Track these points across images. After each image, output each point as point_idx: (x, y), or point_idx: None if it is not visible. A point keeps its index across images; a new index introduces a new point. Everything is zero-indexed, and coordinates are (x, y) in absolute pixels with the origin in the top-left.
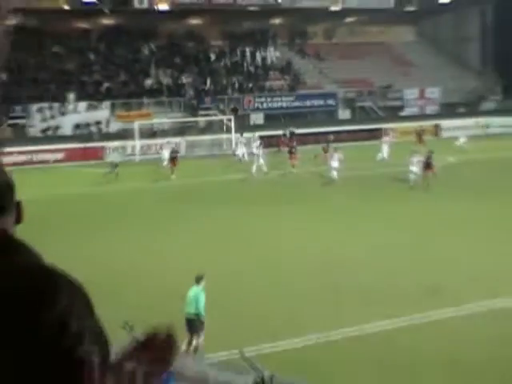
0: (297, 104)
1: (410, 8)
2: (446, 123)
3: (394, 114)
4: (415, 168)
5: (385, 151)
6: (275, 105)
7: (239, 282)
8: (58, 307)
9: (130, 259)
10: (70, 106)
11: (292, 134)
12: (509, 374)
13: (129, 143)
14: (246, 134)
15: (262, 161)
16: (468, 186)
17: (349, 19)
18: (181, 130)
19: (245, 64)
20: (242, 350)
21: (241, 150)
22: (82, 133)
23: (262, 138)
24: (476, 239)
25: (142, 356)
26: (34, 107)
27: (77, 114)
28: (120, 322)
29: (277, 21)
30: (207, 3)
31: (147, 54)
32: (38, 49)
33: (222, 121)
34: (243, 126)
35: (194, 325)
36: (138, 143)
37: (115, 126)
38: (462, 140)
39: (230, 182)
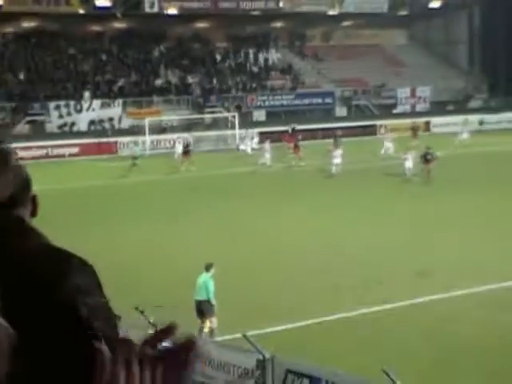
0: (296, 102)
1: (403, 12)
2: (437, 120)
3: (387, 111)
4: (409, 163)
5: (389, 147)
6: (276, 103)
7: (244, 271)
8: (69, 283)
9: (141, 249)
10: (85, 104)
11: (293, 129)
12: (493, 355)
13: (140, 138)
14: (250, 130)
15: (268, 155)
16: (459, 179)
17: (345, 23)
18: (188, 126)
19: (248, 65)
20: (244, 332)
21: (245, 145)
22: (96, 129)
23: (267, 133)
24: (469, 230)
25: (157, 342)
26: (52, 105)
27: (91, 111)
28: (132, 304)
29: (278, 24)
30: (213, 8)
31: (157, 56)
32: (55, 50)
33: (226, 118)
34: (246, 122)
35: (204, 310)
36: (148, 138)
37: (127, 123)
38: (464, 136)
39: (237, 175)
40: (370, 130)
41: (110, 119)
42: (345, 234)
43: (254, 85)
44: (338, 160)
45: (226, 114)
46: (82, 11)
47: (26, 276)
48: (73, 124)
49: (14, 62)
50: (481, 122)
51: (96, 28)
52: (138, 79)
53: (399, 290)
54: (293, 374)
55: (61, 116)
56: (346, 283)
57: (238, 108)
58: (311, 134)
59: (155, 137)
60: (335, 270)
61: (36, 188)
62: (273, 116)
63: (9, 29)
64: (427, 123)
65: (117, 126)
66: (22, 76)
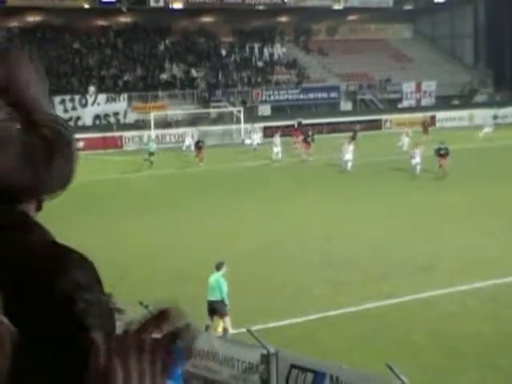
0: (302, 97)
1: (408, 7)
2: (442, 114)
3: (392, 105)
4: (416, 160)
5: (405, 141)
6: (281, 97)
7: (248, 265)
8: (67, 278)
9: (147, 243)
10: (90, 98)
11: (299, 124)
12: (496, 350)
13: (145, 133)
14: (256, 125)
15: (277, 149)
16: (475, 173)
17: (350, 17)
18: (193, 121)
19: (253, 59)
20: (249, 327)
21: (251, 139)
22: (102, 123)
23: (275, 127)
24: (476, 225)
25: (152, 328)
26: (57, 99)
27: (96, 105)
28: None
29: (283, 19)
30: (218, 2)
31: (162, 50)
32: (60, 45)
33: (231, 112)
34: (252, 117)
35: (217, 310)
36: (153, 133)
37: (132, 117)
38: (487, 129)
39: (248, 169)
40: (376, 125)
41: (116, 114)
42: (349, 229)
43: (259, 79)
44: (349, 156)
45: (231, 109)
46: (87, 6)
47: (25, 272)
48: (78, 118)
49: None
50: (495, 117)
51: (101, 22)
52: (144, 73)
53: (404, 284)
54: (297, 369)
55: (66, 110)
56: (350, 278)
57: (244, 103)
58: (317, 129)
59: (160, 131)
60: (339, 264)
61: None
62: (278, 110)
63: (14, 23)
64: (432, 118)
65: (122, 120)
66: None
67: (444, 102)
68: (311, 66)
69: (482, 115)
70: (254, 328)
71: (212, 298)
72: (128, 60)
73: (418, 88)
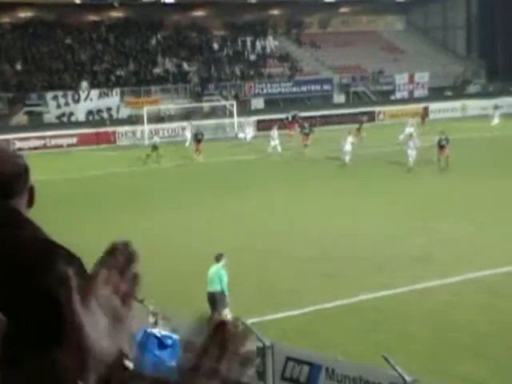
0: (294, 89)
1: None
2: (435, 106)
3: (385, 97)
4: (411, 151)
5: (410, 133)
6: (274, 90)
7: (244, 258)
8: (55, 272)
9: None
10: (83, 94)
11: (294, 117)
12: (490, 340)
13: (138, 128)
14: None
15: (274, 142)
16: (477, 163)
17: (343, 9)
18: (186, 115)
19: (246, 53)
20: (244, 319)
21: (244, 133)
22: (95, 119)
23: (272, 120)
24: (471, 216)
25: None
26: (49, 95)
27: (89, 101)
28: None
29: (275, 12)
30: None
31: (154, 45)
32: (52, 40)
33: (224, 106)
34: (245, 110)
35: (217, 301)
36: (146, 128)
37: (125, 112)
38: (495, 120)
39: (246, 162)
40: (369, 117)
41: (108, 109)
42: (346, 221)
43: (251, 73)
44: (348, 148)
45: (224, 103)
46: (78, 1)
47: (15, 267)
48: (71, 114)
49: (10, 53)
50: (496, 106)
51: (93, 17)
52: (136, 68)
53: (399, 275)
54: (293, 361)
55: (59, 106)
56: (346, 269)
57: (236, 97)
58: (310, 121)
59: (153, 126)
60: (335, 256)
61: (34, 178)
62: (271, 104)
63: (5, 19)
64: (425, 109)
65: (115, 115)
66: (19, 66)
67: (437, 94)
68: (304, 58)
69: (481, 105)
70: (250, 321)
71: (211, 290)
72: (120, 55)
73: (411, 79)
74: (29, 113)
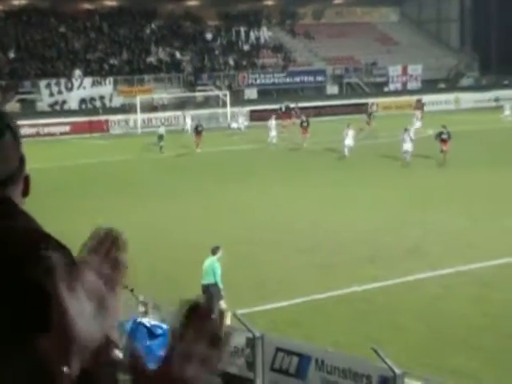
0: (288, 80)
1: None
2: (428, 98)
3: (378, 89)
4: (407, 145)
5: (418, 125)
6: (268, 81)
7: (235, 249)
8: (43, 263)
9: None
10: (76, 82)
11: (287, 108)
12: (480, 332)
13: (131, 117)
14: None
15: (273, 133)
16: (456, 158)
17: (337, 1)
18: (180, 105)
19: (239, 43)
20: (235, 310)
21: (238, 123)
22: (88, 107)
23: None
24: (464, 209)
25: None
26: (42, 83)
27: (82, 89)
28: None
29: (269, 2)
30: None
31: (148, 34)
32: (46, 28)
33: (218, 96)
34: (238, 100)
35: (212, 293)
36: (139, 117)
37: (118, 101)
38: (506, 112)
39: (242, 152)
40: (362, 108)
41: (101, 97)
42: (338, 213)
43: (245, 63)
44: (349, 141)
45: (217, 93)
46: None
47: (4, 256)
48: (64, 102)
49: (4, 40)
50: (496, 99)
51: (87, 6)
52: (129, 57)
53: (391, 267)
54: (282, 352)
55: (52, 94)
56: (337, 261)
57: (230, 87)
58: (303, 112)
59: (146, 115)
60: (327, 248)
61: (30, 165)
62: (264, 94)
63: None
64: (419, 101)
65: (108, 104)
66: (12, 54)
67: (430, 86)
68: (297, 49)
69: (475, 98)
70: (240, 312)
71: (206, 282)
72: (114, 44)
73: (404, 71)
74: (22, 100)
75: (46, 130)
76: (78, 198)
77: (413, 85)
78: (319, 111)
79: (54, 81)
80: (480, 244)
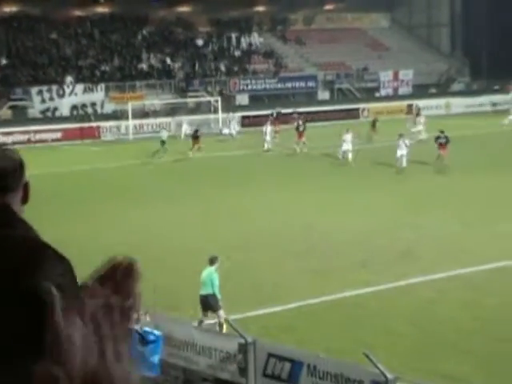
0: (279, 86)
1: None
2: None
3: (370, 94)
4: (401, 151)
5: (421, 130)
6: (259, 87)
7: (229, 255)
8: (40, 273)
9: (126, 232)
10: (68, 89)
11: (278, 114)
12: (471, 336)
13: (123, 123)
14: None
15: (268, 138)
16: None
17: (327, 7)
18: (171, 111)
19: (231, 49)
20: (227, 316)
21: (230, 129)
22: (79, 114)
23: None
24: (456, 213)
25: (103, 288)
26: (34, 90)
27: (74, 96)
28: None
29: (260, 8)
30: None
31: (139, 40)
32: (37, 35)
33: (209, 102)
34: (229, 106)
35: (210, 304)
36: (131, 123)
37: (110, 107)
38: (511, 117)
39: (235, 158)
40: (353, 114)
41: (93, 104)
42: (332, 218)
43: (236, 69)
44: (347, 146)
45: (208, 99)
46: None
47: (1, 265)
48: (55, 109)
49: None
50: (494, 104)
51: (78, 12)
52: (121, 64)
53: (383, 272)
54: (274, 358)
55: (43, 101)
56: (331, 266)
57: (221, 93)
58: (292, 118)
59: (138, 121)
60: (320, 252)
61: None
62: (256, 100)
63: None
64: (410, 106)
65: (99, 110)
66: (3, 61)
67: (421, 91)
68: (288, 55)
69: (465, 103)
70: (233, 317)
71: (204, 292)
72: (105, 50)
73: (395, 77)
74: (13, 107)
75: (38, 136)
76: (73, 205)
77: (404, 90)
78: (311, 117)
79: (45, 87)
80: (472, 248)
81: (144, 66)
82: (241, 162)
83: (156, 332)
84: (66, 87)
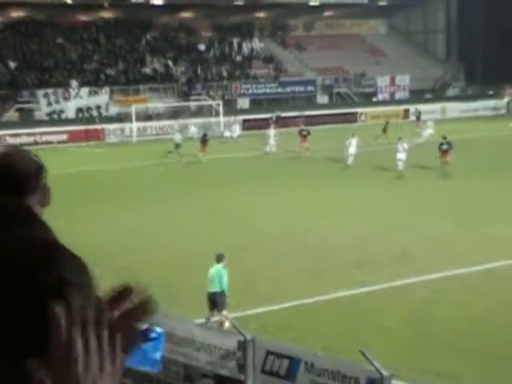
0: (279, 90)
1: (383, 3)
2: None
3: (367, 99)
4: (401, 155)
5: (430, 133)
6: (260, 91)
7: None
8: (54, 274)
9: (130, 233)
10: (73, 92)
11: (278, 117)
12: (465, 337)
13: (126, 125)
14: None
15: (272, 141)
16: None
17: (326, 13)
18: (174, 114)
19: (232, 54)
20: (227, 314)
21: (231, 131)
22: (84, 116)
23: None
24: (448, 216)
25: (115, 309)
26: (40, 93)
27: (79, 99)
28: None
29: (261, 15)
30: None
31: (143, 45)
32: (44, 39)
33: (211, 105)
34: (231, 110)
35: (217, 302)
36: (134, 126)
37: (114, 110)
38: None
39: (238, 160)
40: (351, 118)
41: (98, 107)
42: (328, 220)
43: (237, 73)
44: (352, 149)
45: (210, 102)
46: (69, 1)
47: (19, 266)
48: (61, 111)
49: (3, 51)
50: (495, 108)
51: (83, 18)
52: (125, 68)
53: (379, 272)
54: (273, 355)
55: (49, 104)
56: (326, 266)
57: (223, 97)
58: (293, 121)
59: (141, 124)
60: (316, 253)
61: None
62: (256, 104)
63: None
64: (406, 111)
65: (104, 113)
66: (11, 64)
67: (417, 96)
68: (288, 60)
69: (460, 108)
70: (232, 315)
71: (212, 290)
72: (110, 54)
73: (392, 82)
74: (20, 110)
75: (44, 138)
76: (78, 205)
77: (400, 95)
78: (310, 120)
79: (51, 91)
80: (467, 250)
81: (148, 70)
82: (242, 164)
83: (157, 329)
84: (71, 90)
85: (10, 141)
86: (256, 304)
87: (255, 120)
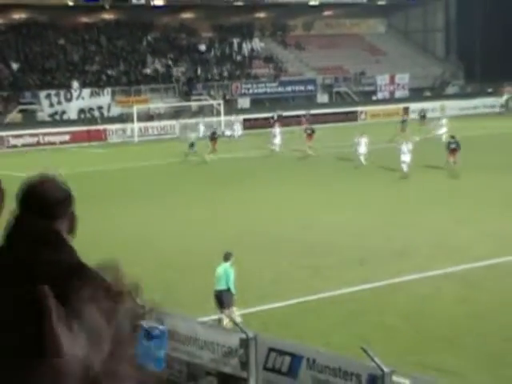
0: (280, 89)
1: (382, 2)
2: (415, 106)
3: (367, 98)
4: (405, 157)
5: (445, 132)
6: (260, 90)
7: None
8: (78, 296)
9: (132, 233)
10: (75, 93)
11: (279, 116)
12: (466, 333)
13: (128, 126)
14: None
15: (277, 140)
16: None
17: (326, 13)
18: (175, 114)
19: (233, 54)
20: (229, 312)
21: (232, 131)
22: (86, 117)
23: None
24: (448, 212)
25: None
26: (42, 94)
27: (81, 99)
28: None
29: (261, 15)
30: None
31: (144, 46)
32: (46, 41)
33: (212, 105)
34: (231, 109)
35: (224, 300)
36: (136, 126)
37: (116, 111)
38: None
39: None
40: (351, 116)
41: (100, 107)
42: (329, 217)
43: (238, 73)
44: (363, 149)
45: (211, 102)
46: (71, 3)
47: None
48: (63, 112)
49: (5, 53)
50: (502, 105)
51: (85, 19)
52: (127, 68)
53: (380, 269)
54: (275, 352)
55: (51, 105)
56: (327, 263)
57: (224, 97)
58: (295, 121)
59: (143, 124)
60: (317, 250)
61: (27, 174)
62: (257, 103)
63: (0, 20)
64: (406, 109)
65: (106, 114)
66: (13, 66)
67: (417, 94)
68: (288, 60)
69: (460, 106)
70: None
71: (219, 288)
72: (111, 55)
73: (392, 80)
74: (23, 111)
75: (47, 139)
76: (81, 204)
77: (400, 93)
78: (311, 119)
79: (53, 92)
80: (467, 246)
81: (149, 70)
82: (248, 164)
83: (161, 327)
84: (73, 91)
85: (13, 142)
86: (258, 301)
87: (256, 119)
